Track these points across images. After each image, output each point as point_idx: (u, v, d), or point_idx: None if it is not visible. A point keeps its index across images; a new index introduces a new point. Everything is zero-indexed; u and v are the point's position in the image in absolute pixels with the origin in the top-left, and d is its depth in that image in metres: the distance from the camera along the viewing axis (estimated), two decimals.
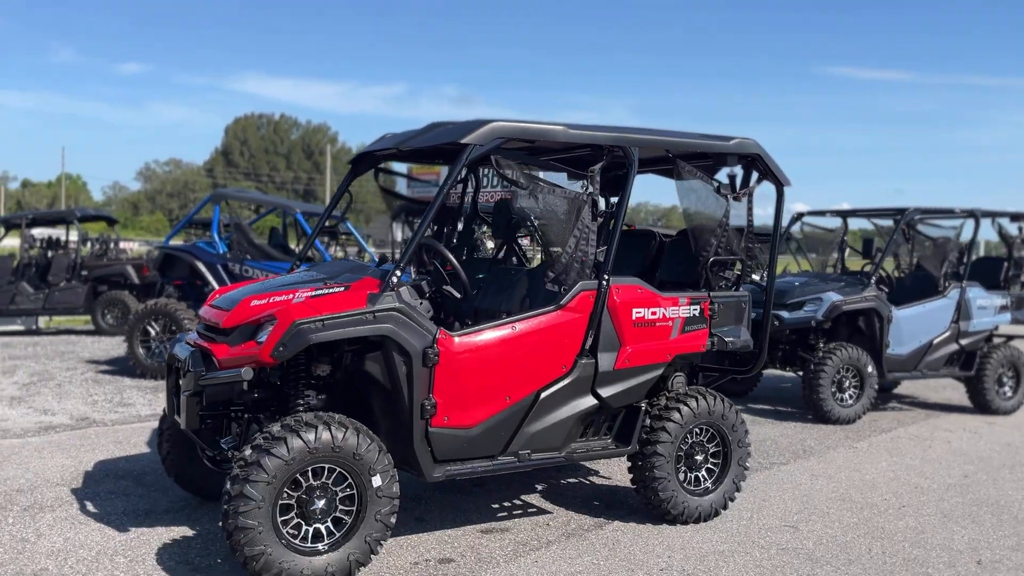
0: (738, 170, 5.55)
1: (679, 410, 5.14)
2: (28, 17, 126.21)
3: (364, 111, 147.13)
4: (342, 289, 4.38)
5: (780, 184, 5.53)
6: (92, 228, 23.14)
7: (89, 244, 15.82)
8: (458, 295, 4.93)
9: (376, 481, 4.17)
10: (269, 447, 3.95)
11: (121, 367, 10.49)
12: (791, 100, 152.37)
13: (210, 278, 10.16)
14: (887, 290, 9.41)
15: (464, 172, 5.82)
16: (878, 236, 10.85)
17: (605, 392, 4.92)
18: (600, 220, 4.93)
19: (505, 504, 5.55)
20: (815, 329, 9.11)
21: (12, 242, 15.32)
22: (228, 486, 3.95)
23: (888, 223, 10.47)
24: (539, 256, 6.23)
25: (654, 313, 5.06)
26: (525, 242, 6.59)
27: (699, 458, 5.29)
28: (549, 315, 4.72)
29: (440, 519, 5.21)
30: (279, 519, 4.00)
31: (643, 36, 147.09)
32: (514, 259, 6.12)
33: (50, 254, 15.21)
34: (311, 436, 4.01)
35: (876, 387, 8.82)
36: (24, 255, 14.94)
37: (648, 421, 5.15)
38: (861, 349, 8.77)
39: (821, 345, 9.03)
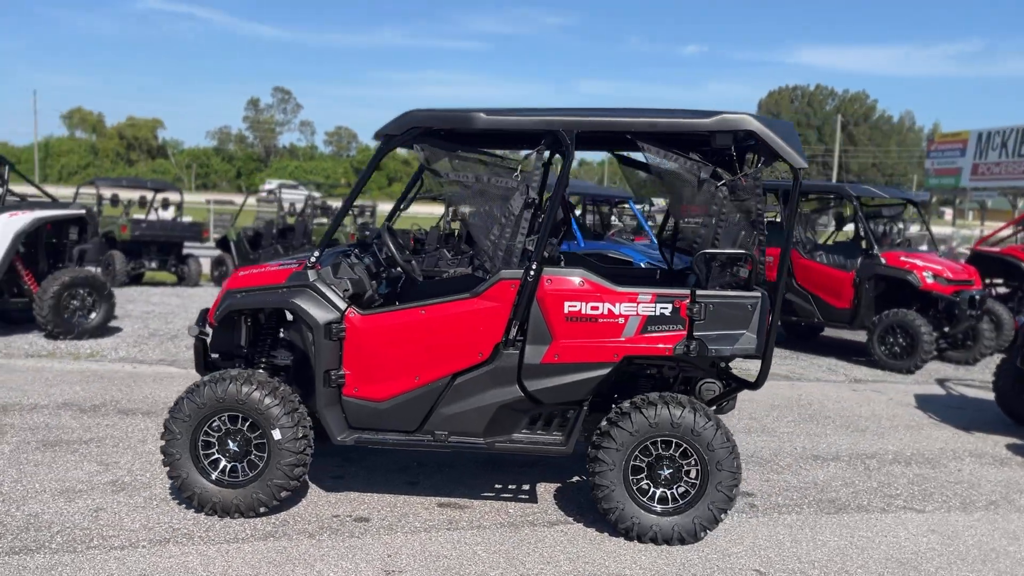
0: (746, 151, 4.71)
1: (631, 417, 4.68)
2: (607, 8, 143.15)
3: (923, 74, 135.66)
4: (295, 266, 5.02)
5: (793, 166, 4.54)
6: None
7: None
8: (419, 277, 5.22)
9: (276, 434, 4.77)
10: (189, 393, 4.83)
11: None
12: None
13: None
14: None
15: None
16: None
17: (532, 386, 4.74)
18: (533, 208, 4.73)
19: (509, 486, 5.59)
20: None
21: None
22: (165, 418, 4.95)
23: None
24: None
25: (595, 308, 4.67)
26: None
27: (665, 473, 4.73)
28: (462, 302, 4.74)
29: (430, 486, 5.52)
30: (200, 452, 4.86)
31: None
32: None
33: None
34: (220, 388, 4.78)
35: None
36: (446, 225, 17.88)
37: (603, 424, 4.79)
38: None
39: None
